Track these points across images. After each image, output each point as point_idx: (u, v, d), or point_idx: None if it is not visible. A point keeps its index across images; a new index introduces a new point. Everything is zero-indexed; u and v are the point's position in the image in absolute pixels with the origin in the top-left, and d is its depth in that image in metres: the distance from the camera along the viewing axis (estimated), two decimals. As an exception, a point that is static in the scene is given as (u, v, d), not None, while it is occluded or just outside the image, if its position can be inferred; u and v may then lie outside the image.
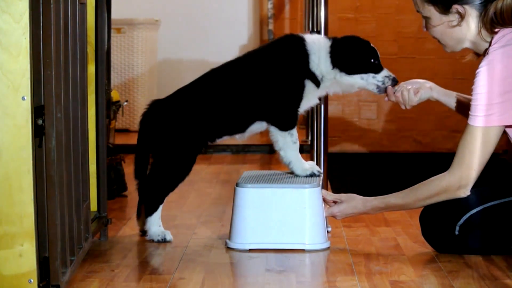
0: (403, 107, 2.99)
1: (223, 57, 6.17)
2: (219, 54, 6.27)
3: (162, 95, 3.19)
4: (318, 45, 3.00)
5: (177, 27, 6.39)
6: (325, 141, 3.44)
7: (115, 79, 5.93)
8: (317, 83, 3.00)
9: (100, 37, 3.00)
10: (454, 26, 2.79)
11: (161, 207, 3.03)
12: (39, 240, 2.23)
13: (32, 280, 2.20)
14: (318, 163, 3.34)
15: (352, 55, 2.99)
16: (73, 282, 2.51)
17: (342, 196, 3.00)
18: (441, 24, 2.81)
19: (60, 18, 2.33)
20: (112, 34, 4.75)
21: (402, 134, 5.41)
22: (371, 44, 3.02)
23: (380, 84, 2.99)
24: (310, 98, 3.03)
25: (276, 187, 2.90)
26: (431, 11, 2.81)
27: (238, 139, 3.10)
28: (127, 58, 5.98)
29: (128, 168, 3.98)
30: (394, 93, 2.98)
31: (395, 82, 3.00)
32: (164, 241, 3.00)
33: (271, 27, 6.17)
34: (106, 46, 3.10)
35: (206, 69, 3.13)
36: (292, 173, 3.05)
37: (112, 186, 3.77)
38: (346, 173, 4.65)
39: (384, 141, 5.42)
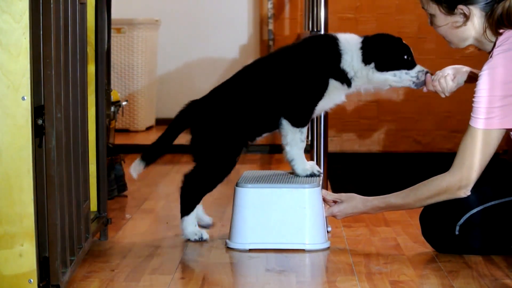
0: (442, 95, 2.97)
1: (223, 57, 6.20)
2: (219, 54, 6.27)
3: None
4: (351, 43, 2.99)
5: (177, 27, 6.39)
6: (325, 141, 3.44)
7: (115, 79, 5.93)
8: (347, 81, 2.99)
9: (100, 37, 2.99)
10: (458, 27, 2.79)
11: (197, 207, 3.04)
12: (39, 240, 2.23)
13: (32, 280, 2.20)
14: (318, 163, 3.34)
15: (384, 51, 2.97)
16: (73, 282, 2.51)
17: (342, 196, 3.00)
18: (446, 25, 2.81)
19: (60, 18, 2.33)
20: (112, 34, 4.75)
21: (402, 134, 5.41)
22: (403, 41, 3.01)
23: (414, 79, 2.98)
24: (334, 97, 3.02)
25: (276, 187, 2.90)
26: (436, 10, 2.80)
27: (280, 133, 3.09)
28: (127, 58, 5.98)
29: (128, 168, 3.98)
30: (432, 81, 2.96)
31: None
32: (201, 240, 3.00)
33: (271, 27, 6.17)
34: (106, 46, 3.10)
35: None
36: (292, 172, 3.05)
37: (112, 186, 3.77)
38: (346, 173, 4.65)
39: (384, 141, 5.42)
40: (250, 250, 2.88)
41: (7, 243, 2.18)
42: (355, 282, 2.52)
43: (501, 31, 2.74)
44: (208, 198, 3.82)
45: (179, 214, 3.46)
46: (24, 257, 2.19)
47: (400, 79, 2.98)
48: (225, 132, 3.00)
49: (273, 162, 4.93)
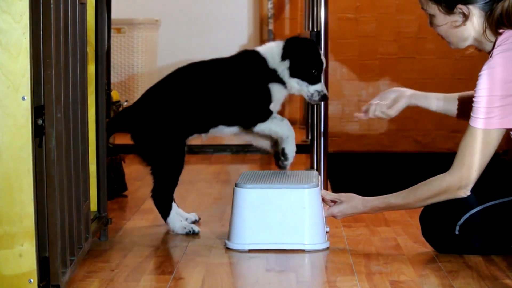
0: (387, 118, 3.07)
1: (223, 57, 6.18)
2: (219, 54, 6.25)
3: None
4: (270, 49, 3.08)
5: (177, 27, 6.39)
6: (325, 141, 3.44)
7: (115, 79, 5.93)
8: (281, 82, 3.06)
9: (100, 37, 3.00)
10: (458, 26, 2.79)
11: (174, 204, 3.12)
12: (39, 240, 2.23)
13: (32, 280, 2.20)
14: (318, 163, 3.34)
15: (297, 59, 3.05)
16: (73, 282, 2.51)
17: (342, 196, 3.00)
18: (445, 24, 2.81)
19: (60, 18, 2.33)
20: (112, 34, 4.75)
21: (402, 134, 5.41)
22: (321, 56, 3.06)
23: (309, 96, 3.07)
24: (279, 99, 3.11)
25: (275, 187, 2.90)
26: (435, 10, 2.80)
27: (207, 136, 3.18)
28: (127, 58, 5.98)
29: (128, 168, 3.99)
30: (365, 113, 3.05)
31: (323, 98, 3.08)
32: (192, 233, 3.08)
33: (271, 27, 6.17)
34: (106, 46, 3.10)
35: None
36: (292, 172, 3.05)
37: (112, 186, 3.77)
38: (346, 173, 4.65)
39: (384, 141, 5.42)
40: (250, 251, 2.88)
41: (7, 243, 2.18)
42: (355, 282, 2.53)
43: (500, 31, 2.74)
44: (208, 198, 3.83)
45: (179, 214, 3.47)
46: (24, 257, 2.19)
47: (300, 88, 3.06)
48: (161, 132, 3.08)
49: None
